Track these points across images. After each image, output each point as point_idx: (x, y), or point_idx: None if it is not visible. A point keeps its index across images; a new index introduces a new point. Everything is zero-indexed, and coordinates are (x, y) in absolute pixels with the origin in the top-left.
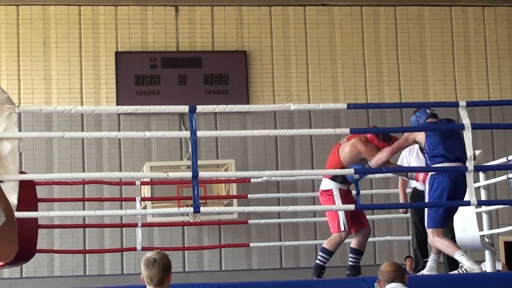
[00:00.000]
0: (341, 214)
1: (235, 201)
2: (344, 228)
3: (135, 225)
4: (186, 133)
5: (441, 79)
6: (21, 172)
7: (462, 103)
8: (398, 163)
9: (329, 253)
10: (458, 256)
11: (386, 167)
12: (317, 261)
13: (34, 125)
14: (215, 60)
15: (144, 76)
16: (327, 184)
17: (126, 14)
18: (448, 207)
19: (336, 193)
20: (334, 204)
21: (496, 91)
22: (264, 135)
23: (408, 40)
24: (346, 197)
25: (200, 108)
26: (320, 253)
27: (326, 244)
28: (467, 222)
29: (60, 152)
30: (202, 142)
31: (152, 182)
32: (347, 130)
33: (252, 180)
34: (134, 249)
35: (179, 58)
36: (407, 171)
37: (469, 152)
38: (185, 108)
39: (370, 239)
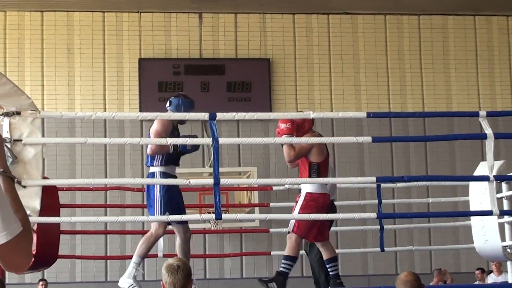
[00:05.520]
0: None
1: (256, 209)
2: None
3: None
4: (208, 140)
5: (464, 89)
6: (44, 178)
7: (482, 113)
8: None
9: None
10: None
11: None
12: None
13: (57, 130)
14: (238, 67)
15: (167, 83)
16: None
17: (150, 21)
18: None
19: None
20: None
21: None
22: (286, 143)
23: (432, 49)
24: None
25: (220, 116)
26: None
27: None
28: (489, 233)
29: (83, 157)
30: (224, 150)
31: None
32: (369, 139)
33: (274, 188)
34: (156, 255)
35: (202, 65)
36: None
37: (490, 162)
38: (205, 116)
39: (391, 248)
